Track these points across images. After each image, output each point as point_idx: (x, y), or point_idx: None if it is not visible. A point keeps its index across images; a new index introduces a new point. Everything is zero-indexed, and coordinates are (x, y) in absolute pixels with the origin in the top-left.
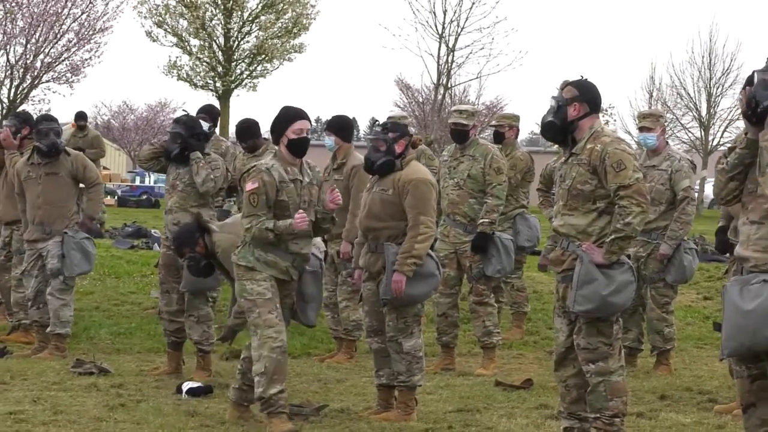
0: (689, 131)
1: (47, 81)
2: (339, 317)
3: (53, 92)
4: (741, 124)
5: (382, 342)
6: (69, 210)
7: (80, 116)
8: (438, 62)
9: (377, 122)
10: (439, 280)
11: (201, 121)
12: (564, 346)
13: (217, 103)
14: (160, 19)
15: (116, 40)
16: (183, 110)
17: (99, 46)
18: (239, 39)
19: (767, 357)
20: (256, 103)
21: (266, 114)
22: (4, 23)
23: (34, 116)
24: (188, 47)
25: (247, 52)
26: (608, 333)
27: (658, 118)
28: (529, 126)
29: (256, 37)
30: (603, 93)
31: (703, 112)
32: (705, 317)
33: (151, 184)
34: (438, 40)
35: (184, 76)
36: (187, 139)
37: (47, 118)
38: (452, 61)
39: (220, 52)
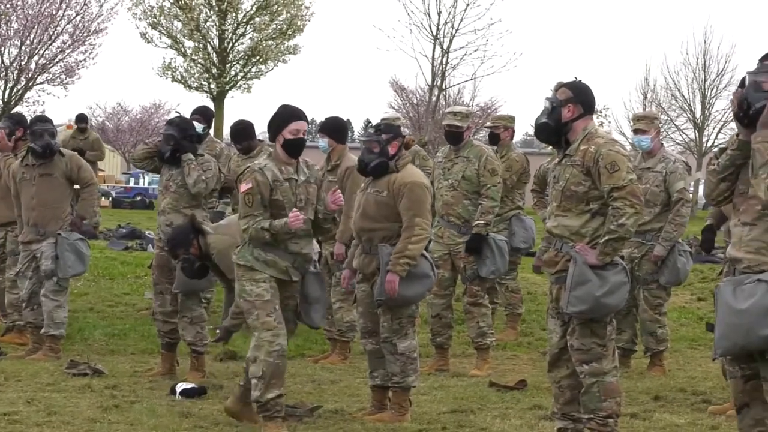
0: (684, 133)
1: (41, 83)
2: (333, 318)
3: (48, 94)
4: (735, 125)
5: (376, 343)
6: (63, 211)
7: (81, 119)
8: (432, 64)
9: (371, 124)
10: (434, 281)
11: (195, 122)
12: (557, 347)
13: (211, 105)
14: (155, 20)
15: (111, 41)
16: (176, 112)
17: (93, 48)
18: (234, 40)
19: (760, 357)
20: (250, 105)
21: (261, 115)
22: None
23: (29, 118)
24: (183, 49)
25: (242, 53)
26: (602, 334)
27: (652, 120)
28: (524, 127)
29: (250, 38)
30: (597, 94)
31: (698, 114)
32: (699, 318)
33: (146, 185)
34: (432, 41)
35: (179, 77)
36: (179, 141)
37: (41, 119)
38: (447, 63)
39: (214, 54)
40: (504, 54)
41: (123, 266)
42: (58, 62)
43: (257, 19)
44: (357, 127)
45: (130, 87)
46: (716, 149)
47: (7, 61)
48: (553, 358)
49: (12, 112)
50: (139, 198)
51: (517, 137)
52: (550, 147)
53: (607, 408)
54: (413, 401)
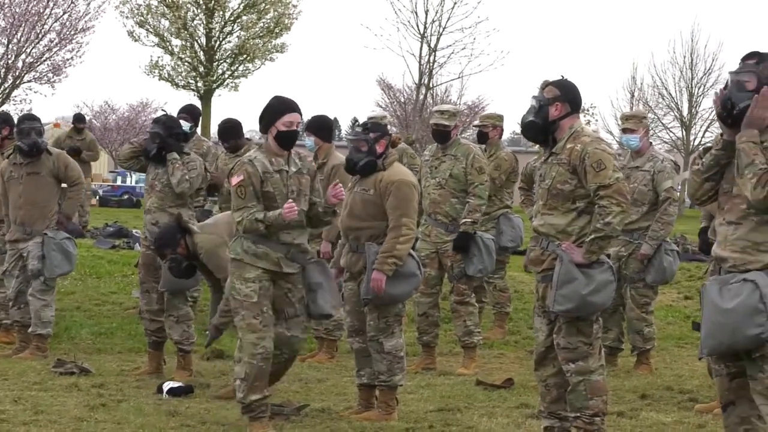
0: (671, 131)
1: (29, 81)
2: None
3: (35, 92)
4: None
5: (363, 342)
6: (50, 210)
7: (79, 119)
8: (420, 62)
9: (358, 122)
10: (420, 279)
11: (182, 121)
12: (544, 346)
13: (198, 103)
14: (142, 19)
15: (98, 40)
16: (163, 110)
17: (81, 46)
18: (221, 39)
19: (746, 355)
20: (237, 103)
21: (248, 114)
22: None
23: (15, 117)
24: (170, 47)
25: (229, 52)
26: (588, 332)
27: (641, 120)
28: (511, 126)
29: (237, 37)
30: (584, 93)
31: (685, 112)
32: (686, 317)
33: (133, 184)
34: (420, 40)
35: (166, 76)
36: (165, 139)
37: (29, 118)
38: (434, 61)
39: (201, 52)
40: (491, 52)
41: (110, 265)
42: (45, 60)
43: (244, 18)
44: (344, 126)
45: (118, 85)
46: (701, 149)
47: None
48: (540, 356)
49: None
50: (126, 196)
51: (505, 136)
52: (538, 145)
53: (593, 406)
54: (400, 400)
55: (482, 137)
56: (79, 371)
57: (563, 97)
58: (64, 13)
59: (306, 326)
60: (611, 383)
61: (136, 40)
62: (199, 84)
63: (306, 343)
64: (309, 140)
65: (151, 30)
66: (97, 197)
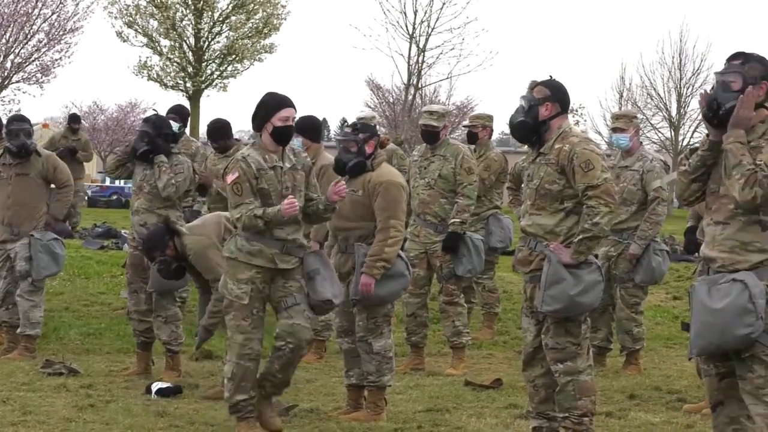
0: (659, 131)
1: (17, 81)
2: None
3: (23, 93)
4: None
5: (351, 342)
6: (38, 211)
7: (75, 119)
8: (408, 62)
9: (347, 123)
10: (409, 280)
11: (171, 121)
12: (532, 346)
13: (187, 104)
14: (131, 19)
15: (86, 40)
16: (153, 110)
17: (69, 47)
18: (210, 39)
19: (735, 356)
20: (226, 104)
21: (237, 114)
22: None
23: (4, 117)
24: (158, 47)
25: (218, 52)
26: (576, 333)
27: (631, 119)
28: (500, 126)
29: (226, 37)
30: (573, 93)
31: (673, 113)
32: (674, 317)
33: (121, 184)
34: (408, 40)
35: (155, 76)
36: (153, 138)
37: (18, 119)
38: (423, 62)
39: (190, 53)
40: (480, 53)
41: (98, 265)
42: (33, 61)
43: (233, 18)
44: (333, 126)
45: (106, 86)
46: (688, 150)
47: None
48: (528, 357)
49: None
50: (114, 197)
51: (494, 136)
52: (526, 146)
53: (582, 407)
54: (389, 400)
55: (472, 137)
56: (68, 372)
57: (553, 97)
58: (53, 14)
59: (309, 315)
60: (600, 383)
61: (124, 41)
62: (188, 84)
63: (310, 333)
64: (297, 141)
65: (139, 30)
66: (86, 198)
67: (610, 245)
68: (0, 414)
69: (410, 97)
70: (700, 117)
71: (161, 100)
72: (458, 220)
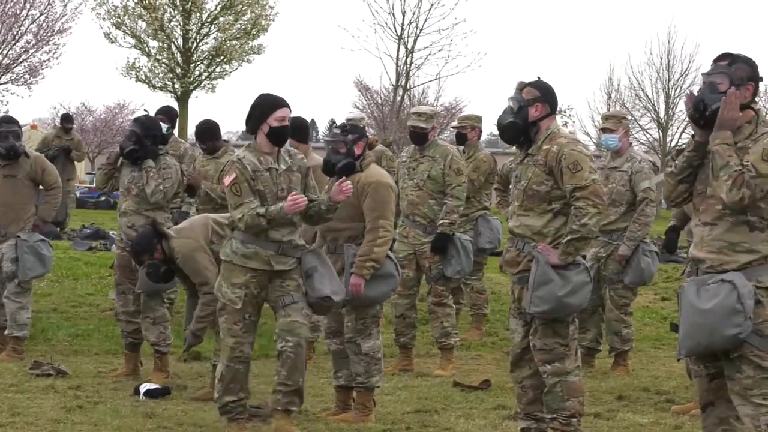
0: (647, 132)
1: (5, 82)
2: None
3: (11, 94)
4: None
5: (340, 343)
6: (26, 212)
7: (67, 119)
8: (397, 64)
9: (335, 124)
10: (398, 281)
11: (160, 122)
12: (520, 347)
13: (175, 105)
14: (119, 20)
15: (75, 41)
16: (144, 110)
17: (57, 48)
18: (198, 40)
19: (724, 356)
20: (214, 105)
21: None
22: None
23: None
24: (147, 49)
25: (206, 53)
26: (564, 334)
27: (620, 120)
28: (489, 127)
29: (214, 38)
30: (561, 94)
31: (662, 114)
32: (663, 318)
33: None
34: (397, 41)
35: (143, 77)
36: (141, 138)
37: (6, 120)
38: (411, 63)
39: (178, 54)
40: (468, 54)
41: (87, 267)
42: (21, 62)
43: (221, 19)
44: (321, 127)
45: (94, 87)
46: (674, 151)
47: None
48: (516, 358)
49: None
50: (103, 198)
51: (483, 137)
52: (515, 147)
53: (570, 407)
54: (377, 401)
55: (461, 138)
56: (56, 373)
57: (543, 98)
58: (41, 15)
59: (307, 313)
60: (588, 384)
61: (112, 42)
62: (176, 85)
63: (308, 330)
64: None
65: (127, 31)
66: (75, 199)
67: (599, 246)
68: None
69: (399, 98)
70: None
71: (149, 102)
72: (447, 221)
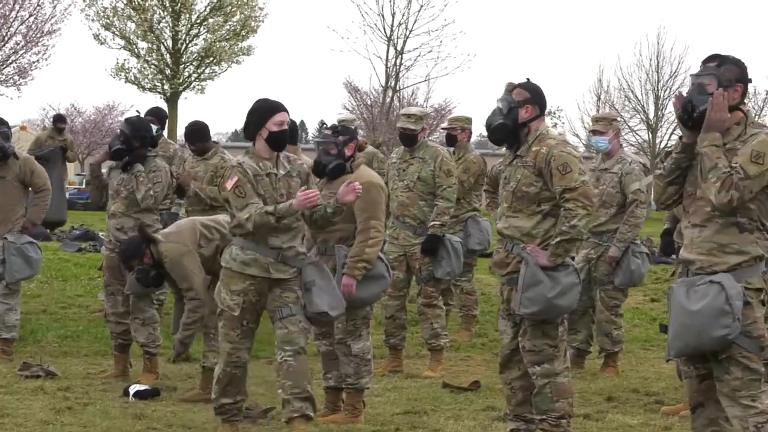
0: (637, 134)
1: None
2: None
3: (0, 95)
4: (679, 128)
5: (330, 344)
6: (14, 214)
7: (60, 119)
8: (386, 65)
9: (325, 125)
10: (389, 282)
11: (150, 124)
12: (509, 349)
13: (165, 106)
14: (108, 21)
15: (64, 42)
16: (137, 111)
17: (47, 49)
18: (187, 41)
19: (713, 357)
20: (204, 106)
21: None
22: None
23: None
24: (136, 50)
25: (195, 54)
26: (553, 335)
27: (610, 122)
28: (479, 128)
29: (204, 39)
30: (551, 95)
31: (651, 115)
32: (652, 319)
33: None
34: (386, 42)
35: (132, 78)
36: (129, 139)
37: None
38: (400, 64)
39: (168, 55)
40: (458, 55)
41: (76, 268)
42: (11, 63)
43: (211, 20)
44: (311, 129)
45: (84, 88)
46: (663, 153)
47: None
48: (505, 359)
49: None
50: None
51: (473, 138)
52: (504, 148)
53: (559, 409)
54: (367, 402)
55: (451, 140)
56: (45, 374)
57: (533, 99)
58: (30, 16)
59: (305, 327)
60: (577, 385)
61: (102, 43)
62: (166, 87)
63: (306, 339)
64: None
65: (117, 33)
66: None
67: (590, 248)
68: None
69: (388, 100)
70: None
71: (139, 103)
72: (438, 222)
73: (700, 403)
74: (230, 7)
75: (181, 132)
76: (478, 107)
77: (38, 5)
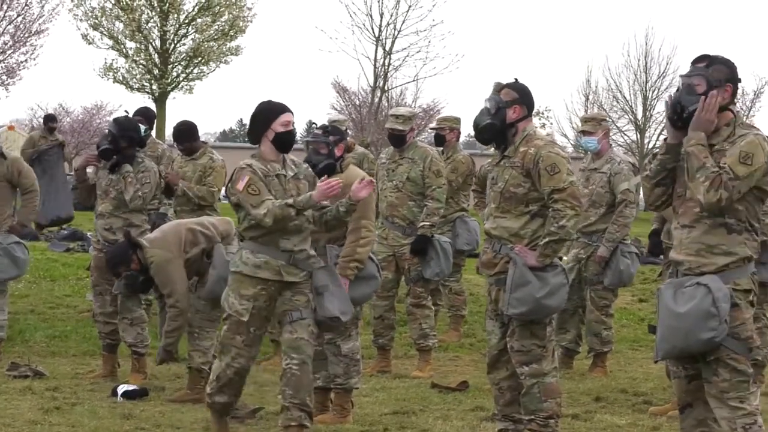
0: (625, 134)
1: None
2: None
3: None
4: (666, 129)
5: (319, 344)
6: (2, 214)
7: (51, 118)
8: (375, 65)
9: (315, 124)
10: (380, 282)
11: (138, 124)
12: (497, 349)
13: (153, 106)
14: (96, 21)
15: (52, 42)
16: (125, 111)
17: (35, 49)
18: (175, 41)
19: (701, 358)
20: (192, 106)
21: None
22: None
23: None
24: (124, 50)
25: (184, 54)
26: (542, 335)
27: (600, 122)
28: (468, 128)
29: (192, 39)
30: (539, 96)
31: (639, 116)
32: (640, 319)
33: None
34: (375, 43)
35: (120, 78)
36: (117, 139)
37: None
38: (389, 64)
39: (156, 55)
40: (446, 55)
41: (64, 268)
42: None
43: (199, 20)
44: (299, 129)
45: (72, 88)
46: (651, 154)
47: None
48: (492, 359)
49: None
50: None
51: (461, 138)
52: (493, 149)
53: (547, 409)
54: (355, 402)
55: (439, 140)
56: (33, 374)
57: (521, 99)
58: (18, 16)
59: (313, 331)
60: (566, 385)
61: (90, 43)
62: (154, 87)
63: (313, 348)
64: None
65: (105, 33)
66: None
67: (579, 247)
68: None
69: (377, 100)
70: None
71: (127, 103)
72: (428, 223)
73: (688, 404)
74: (218, 7)
75: (169, 132)
76: (467, 107)
77: (26, 5)
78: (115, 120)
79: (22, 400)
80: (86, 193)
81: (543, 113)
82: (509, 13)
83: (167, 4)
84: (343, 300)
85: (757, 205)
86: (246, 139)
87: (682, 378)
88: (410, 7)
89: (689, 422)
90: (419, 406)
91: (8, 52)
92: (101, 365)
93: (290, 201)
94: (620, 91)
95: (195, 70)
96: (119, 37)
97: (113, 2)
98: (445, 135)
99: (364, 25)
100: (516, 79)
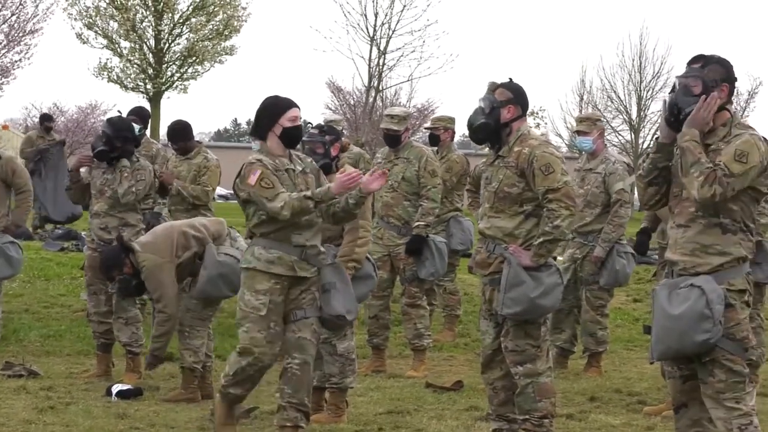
0: (619, 134)
1: None
2: None
3: None
4: (659, 128)
5: None
6: None
7: (48, 118)
8: (369, 65)
9: (310, 124)
10: (376, 282)
11: (132, 124)
12: (491, 349)
13: (147, 105)
14: (91, 21)
15: (46, 41)
16: (118, 111)
17: (29, 48)
18: (170, 41)
19: (697, 359)
20: (187, 106)
21: (197, 116)
22: None
23: None
24: (119, 49)
25: (178, 54)
26: (536, 335)
27: (594, 122)
28: (463, 128)
29: (186, 39)
30: (534, 96)
31: (634, 115)
32: (635, 319)
33: None
34: (369, 42)
35: (115, 78)
36: (112, 139)
37: None
38: (383, 64)
39: (150, 54)
40: (441, 55)
41: (59, 267)
42: None
43: (193, 20)
44: None
45: (66, 87)
46: (646, 154)
47: None
48: (487, 359)
49: None
50: None
51: (456, 138)
52: (487, 148)
53: (542, 408)
54: (350, 402)
55: (434, 140)
56: (28, 374)
57: (515, 99)
58: (12, 15)
59: (316, 329)
60: (560, 385)
61: (84, 43)
62: (148, 86)
63: (315, 348)
64: (255, 144)
65: (99, 32)
66: None
67: (575, 247)
68: None
69: (371, 100)
70: (660, 120)
71: (122, 102)
72: (423, 223)
73: (683, 404)
74: (213, 7)
75: (163, 131)
76: (461, 107)
77: (20, 4)
78: (109, 120)
79: (17, 399)
80: (80, 193)
81: (537, 113)
82: (503, 13)
83: (162, 4)
84: (350, 299)
85: (752, 206)
86: (240, 139)
87: (677, 378)
88: (405, 6)
89: (684, 422)
90: (414, 405)
91: (2, 51)
92: (96, 365)
93: (308, 193)
94: (615, 91)
95: (189, 70)
96: (114, 37)
97: (108, 1)
98: (439, 135)
99: (358, 24)
100: (510, 79)
